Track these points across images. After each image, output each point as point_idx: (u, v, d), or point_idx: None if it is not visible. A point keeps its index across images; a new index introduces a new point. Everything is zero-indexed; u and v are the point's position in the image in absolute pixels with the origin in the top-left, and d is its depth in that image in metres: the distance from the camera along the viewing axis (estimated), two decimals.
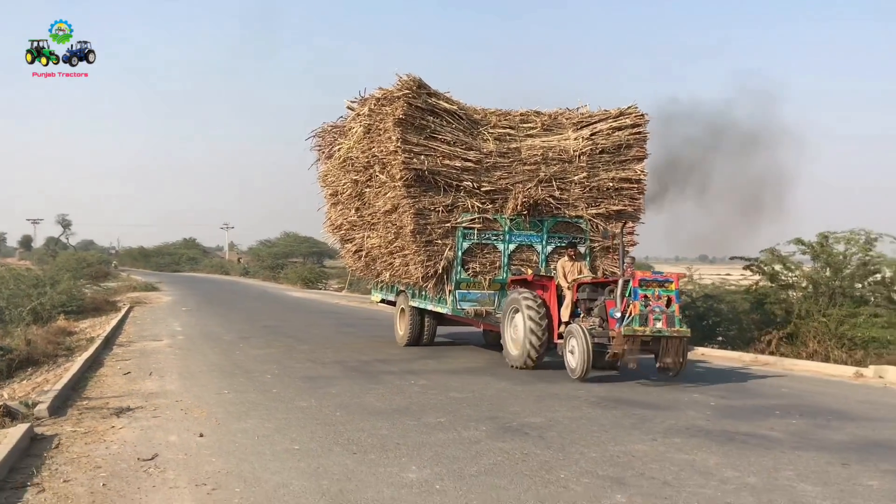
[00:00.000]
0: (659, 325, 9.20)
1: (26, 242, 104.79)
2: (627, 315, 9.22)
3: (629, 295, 9.31)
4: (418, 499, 4.66)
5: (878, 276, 14.71)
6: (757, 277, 15.57)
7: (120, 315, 19.19)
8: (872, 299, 14.47)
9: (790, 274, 15.12)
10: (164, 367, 10.53)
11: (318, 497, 4.69)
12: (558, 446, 6.06)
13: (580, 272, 10.91)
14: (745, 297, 15.62)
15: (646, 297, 9.26)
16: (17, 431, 6.00)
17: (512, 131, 12.37)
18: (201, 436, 6.31)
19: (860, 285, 14.74)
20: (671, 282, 9.50)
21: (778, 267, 15.12)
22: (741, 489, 4.95)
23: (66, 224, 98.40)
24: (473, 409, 7.60)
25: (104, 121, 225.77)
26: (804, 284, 15.02)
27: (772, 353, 13.33)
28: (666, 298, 9.36)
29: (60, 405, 7.48)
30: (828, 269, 14.70)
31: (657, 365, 9.53)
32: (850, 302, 14.26)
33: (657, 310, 9.25)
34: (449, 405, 7.83)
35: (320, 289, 39.57)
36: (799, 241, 14.77)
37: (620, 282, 9.59)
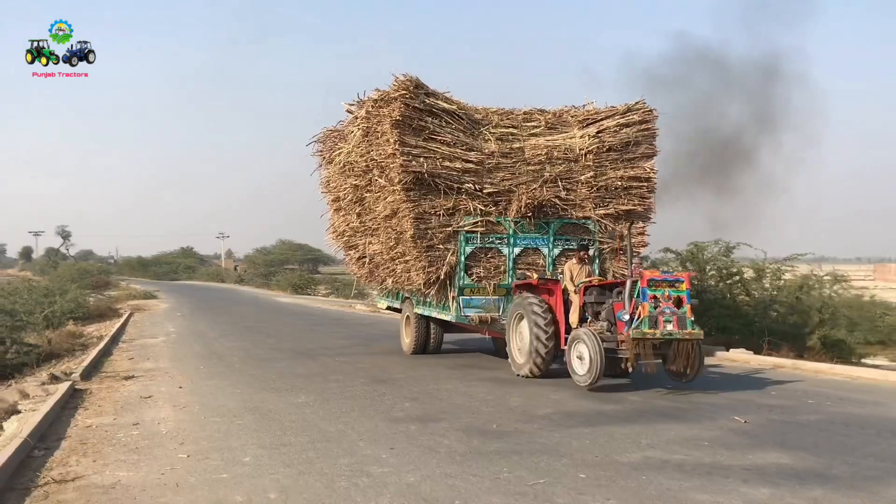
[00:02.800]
0: (670, 327, 8.87)
1: (27, 254, 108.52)
2: (636, 317, 8.96)
3: (637, 296, 9.03)
4: (294, 408, 8.33)
5: (737, 277, 18.53)
6: None
7: (122, 320, 22.44)
8: (728, 295, 18.24)
9: None
10: (159, 354, 14.13)
11: (243, 409, 8.35)
12: (399, 387, 9.75)
13: (588, 276, 10.60)
14: None
15: (655, 297, 8.90)
16: (64, 385, 9.64)
17: (515, 131, 12.11)
18: (180, 387, 9.97)
19: (720, 285, 18.50)
20: (682, 281, 9.12)
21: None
22: (475, 401, 8.65)
23: (65, 235, 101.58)
24: (365, 373, 11.24)
25: (100, 132, 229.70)
26: None
27: None
28: (676, 298, 8.98)
29: (87, 375, 11.10)
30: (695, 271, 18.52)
31: (668, 369, 9.32)
32: (712, 298, 18.02)
33: (667, 311, 8.88)
34: (352, 371, 11.47)
35: (308, 294, 42.83)
36: (668, 250, 18.53)
37: (628, 283, 9.34)
